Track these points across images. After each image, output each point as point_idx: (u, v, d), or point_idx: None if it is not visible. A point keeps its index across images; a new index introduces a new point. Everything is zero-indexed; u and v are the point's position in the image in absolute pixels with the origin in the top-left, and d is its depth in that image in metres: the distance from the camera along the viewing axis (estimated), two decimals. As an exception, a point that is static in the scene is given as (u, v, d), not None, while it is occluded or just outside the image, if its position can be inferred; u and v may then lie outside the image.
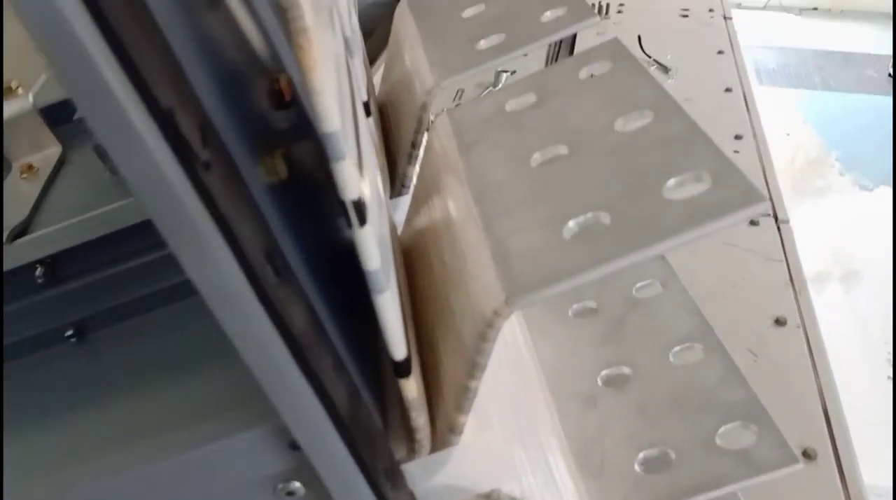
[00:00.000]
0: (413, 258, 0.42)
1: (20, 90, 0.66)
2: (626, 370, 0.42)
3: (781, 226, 0.88)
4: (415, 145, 0.46)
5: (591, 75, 0.39)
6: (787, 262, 0.83)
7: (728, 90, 1.14)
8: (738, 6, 4.27)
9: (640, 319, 0.45)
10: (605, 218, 0.30)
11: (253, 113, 0.30)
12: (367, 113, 0.45)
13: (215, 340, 0.28)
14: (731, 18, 1.37)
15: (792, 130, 3.46)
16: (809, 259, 2.72)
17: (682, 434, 0.38)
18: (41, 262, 0.43)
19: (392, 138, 0.50)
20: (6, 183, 0.64)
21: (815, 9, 4.30)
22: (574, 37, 0.96)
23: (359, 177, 0.26)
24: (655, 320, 0.44)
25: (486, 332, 0.29)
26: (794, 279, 0.80)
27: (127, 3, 0.19)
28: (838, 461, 0.62)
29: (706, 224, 0.28)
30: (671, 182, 0.30)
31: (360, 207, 0.25)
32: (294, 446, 0.28)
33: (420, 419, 0.31)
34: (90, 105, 0.19)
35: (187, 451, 0.28)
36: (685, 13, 1.39)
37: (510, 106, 0.39)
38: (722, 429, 0.38)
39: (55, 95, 0.71)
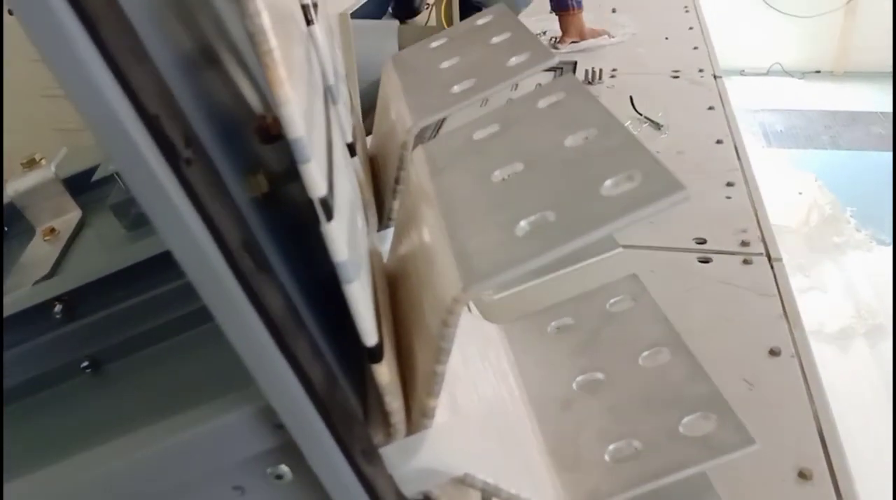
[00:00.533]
0: (397, 282, 0.46)
1: (43, 162, 0.72)
2: (600, 375, 0.45)
3: (774, 264, 0.91)
4: (398, 181, 0.50)
5: (548, 105, 0.44)
6: (780, 296, 0.85)
7: (719, 142, 1.18)
8: (742, 73, 4.38)
9: (613, 330, 0.48)
10: (552, 216, 0.34)
11: (240, 139, 0.35)
12: (352, 153, 0.50)
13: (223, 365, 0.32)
14: (720, 77, 1.43)
15: (804, 190, 3.49)
16: (833, 316, 2.70)
17: (649, 427, 0.41)
18: (59, 299, 0.48)
19: (380, 180, 0.55)
20: (30, 246, 0.69)
21: (818, 72, 4.39)
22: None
23: (325, 179, 0.30)
24: (627, 330, 0.47)
25: (447, 318, 0.32)
26: (787, 312, 0.83)
27: (127, 41, 0.24)
28: (834, 481, 0.64)
29: (636, 211, 0.32)
30: (608, 183, 0.34)
31: (326, 204, 0.30)
32: (279, 425, 0.31)
33: (394, 403, 0.34)
34: (92, 116, 0.24)
35: (182, 433, 0.31)
36: (676, 74, 1.45)
37: (477, 135, 0.43)
38: (685, 420, 0.40)
39: (76, 166, 0.77)
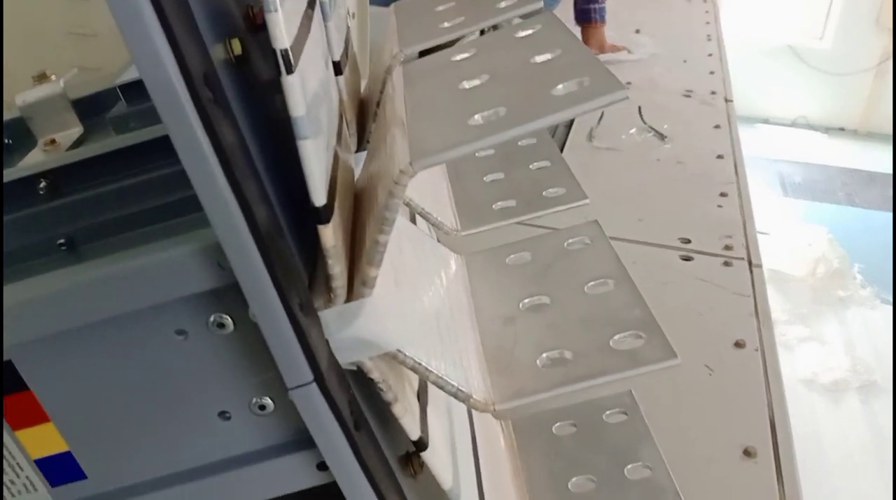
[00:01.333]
0: (363, 195, 0.48)
1: (53, 77, 0.75)
2: (546, 299, 0.47)
3: (754, 269, 0.93)
4: (379, 104, 0.53)
5: (524, 35, 0.46)
6: (754, 297, 0.87)
7: (720, 157, 1.21)
8: (766, 121, 4.41)
9: (565, 264, 0.50)
10: (502, 111, 0.36)
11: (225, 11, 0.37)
12: (338, 72, 0.52)
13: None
14: (731, 101, 1.45)
15: (814, 242, 3.50)
16: (828, 368, 2.70)
17: (582, 341, 0.43)
18: (44, 176, 0.50)
19: (366, 108, 0.58)
20: (30, 154, 0.72)
21: (843, 129, 4.41)
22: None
23: (290, 35, 0.33)
24: (578, 265, 0.49)
25: (393, 189, 0.35)
26: (759, 312, 0.84)
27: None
28: (777, 461, 0.65)
29: (578, 106, 0.34)
30: (559, 87, 0.36)
31: (286, 57, 0.32)
32: (222, 265, 0.34)
33: (336, 267, 0.36)
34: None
35: (128, 262, 0.34)
36: (688, 94, 1.48)
37: (454, 58, 0.46)
38: (616, 337, 0.42)
39: (85, 90, 0.80)
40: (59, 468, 0.40)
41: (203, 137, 0.30)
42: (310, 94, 0.36)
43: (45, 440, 0.39)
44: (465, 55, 0.46)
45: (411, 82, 0.45)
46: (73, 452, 0.39)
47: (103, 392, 0.38)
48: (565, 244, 0.52)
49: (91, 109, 0.77)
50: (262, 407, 0.39)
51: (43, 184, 0.50)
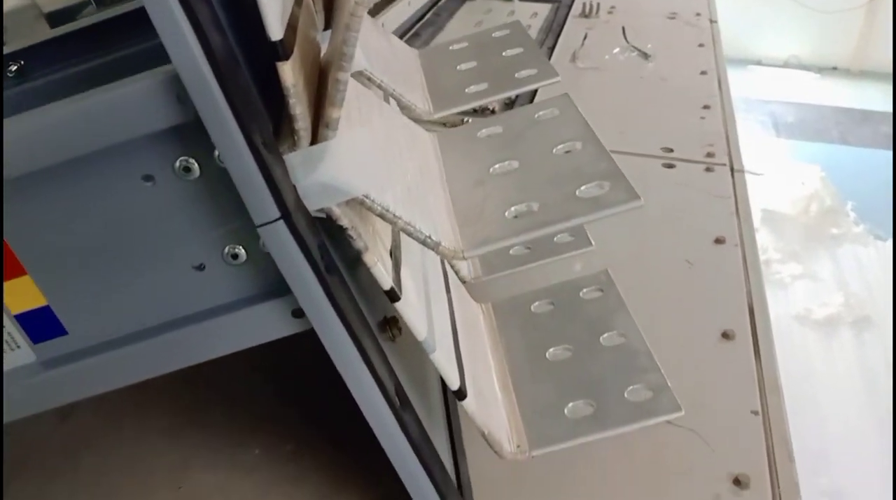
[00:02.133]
0: (328, 70, 0.48)
1: (25, -13, 0.74)
2: (515, 164, 0.48)
3: (736, 174, 0.94)
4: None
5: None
6: (735, 198, 0.88)
7: (703, 73, 1.21)
8: (759, 63, 4.39)
9: (535, 133, 0.51)
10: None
11: None
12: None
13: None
14: (716, 22, 1.45)
15: (808, 180, 3.51)
16: (821, 304, 2.72)
17: (549, 194, 0.44)
18: (14, 59, 0.50)
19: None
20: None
21: (835, 68, 4.39)
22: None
23: None
24: (549, 131, 0.50)
25: (350, 22, 0.35)
26: (739, 211, 0.85)
27: None
28: (756, 344, 0.67)
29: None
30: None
31: None
32: (180, 99, 0.34)
33: (297, 108, 0.37)
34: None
35: (91, 99, 0.34)
36: (672, 15, 1.47)
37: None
38: (582, 187, 0.43)
39: (59, 4, 0.79)
40: (39, 324, 0.41)
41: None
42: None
43: (23, 295, 0.40)
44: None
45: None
46: (51, 306, 0.40)
47: (77, 242, 0.39)
48: (535, 116, 0.53)
49: (63, 19, 0.77)
50: (235, 256, 0.40)
51: (13, 67, 0.51)
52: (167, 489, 0.54)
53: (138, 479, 0.55)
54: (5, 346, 0.41)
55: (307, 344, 0.41)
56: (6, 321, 0.41)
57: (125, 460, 0.57)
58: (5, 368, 0.42)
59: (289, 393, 0.63)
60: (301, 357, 0.61)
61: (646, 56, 1.27)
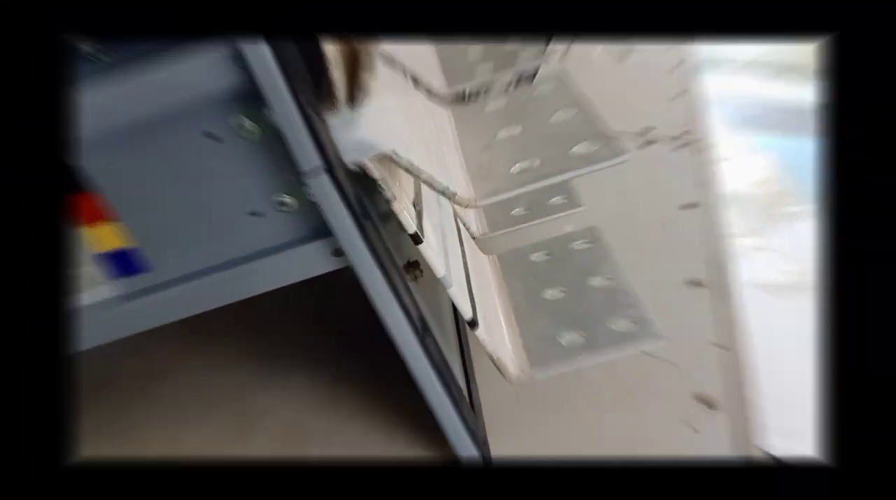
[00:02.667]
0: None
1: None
2: (518, 129, 0.50)
3: (706, 150, 0.96)
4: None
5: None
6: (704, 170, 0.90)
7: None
8: (719, 64, 4.37)
9: (536, 104, 0.53)
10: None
11: None
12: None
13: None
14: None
15: (767, 167, 3.50)
16: (780, 273, 2.73)
17: (548, 153, 0.46)
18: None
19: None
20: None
21: (792, 68, 4.37)
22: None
23: None
24: (547, 103, 0.52)
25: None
26: (707, 181, 0.87)
27: None
28: (721, 291, 0.69)
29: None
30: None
31: None
32: (244, 67, 0.36)
33: (335, 73, 0.39)
34: None
35: (159, 69, 0.36)
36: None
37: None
38: (576, 147, 0.45)
39: None
40: (126, 262, 0.43)
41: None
42: None
43: (112, 237, 0.42)
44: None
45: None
46: (141, 248, 0.43)
47: (157, 194, 0.41)
48: (535, 91, 0.54)
49: None
50: (283, 204, 0.42)
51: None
52: (227, 409, 0.57)
53: (202, 401, 0.58)
54: (90, 282, 0.44)
55: (343, 291, 0.43)
56: (86, 260, 0.43)
57: (191, 387, 0.60)
58: (90, 301, 0.45)
59: (329, 332, 0.65)
60: (338, 302, 0.64)
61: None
